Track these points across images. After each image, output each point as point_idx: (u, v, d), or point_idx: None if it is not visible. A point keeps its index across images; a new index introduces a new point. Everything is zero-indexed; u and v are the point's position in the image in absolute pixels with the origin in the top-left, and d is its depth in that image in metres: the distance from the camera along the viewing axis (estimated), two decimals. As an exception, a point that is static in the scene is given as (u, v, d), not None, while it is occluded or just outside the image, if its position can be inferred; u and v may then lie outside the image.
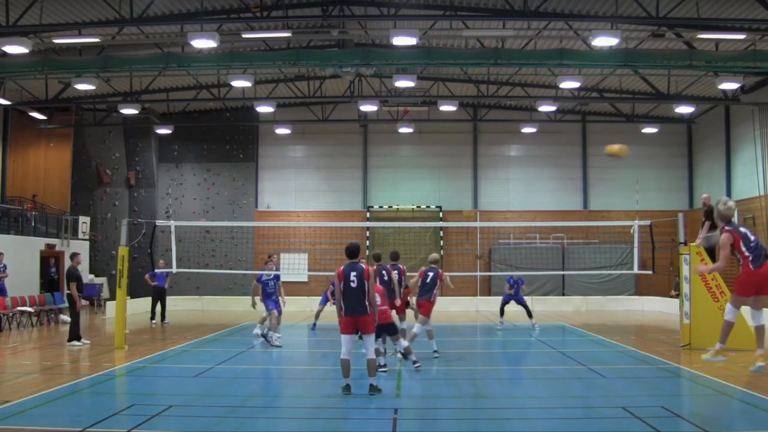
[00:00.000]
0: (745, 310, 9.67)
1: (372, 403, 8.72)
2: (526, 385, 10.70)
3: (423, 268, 13.03)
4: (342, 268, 9.19)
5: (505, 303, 18.35)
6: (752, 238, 8.85)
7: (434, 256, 13.47)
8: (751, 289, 8.81)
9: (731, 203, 9.11)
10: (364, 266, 9.16)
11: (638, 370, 12.36)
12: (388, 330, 11.14)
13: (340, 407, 8.81)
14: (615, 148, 14.17)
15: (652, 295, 26.93)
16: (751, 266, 8.72)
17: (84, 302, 25.83)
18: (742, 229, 8.94)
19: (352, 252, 9.32)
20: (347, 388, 9.00)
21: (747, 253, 8.71)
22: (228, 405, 9.14)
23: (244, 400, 9.58)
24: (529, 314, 17.68)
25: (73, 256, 15.35)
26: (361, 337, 9.66)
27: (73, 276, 14.95)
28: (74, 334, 14.89)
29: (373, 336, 9.24)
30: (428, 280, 12.72)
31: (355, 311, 9.02)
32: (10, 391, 9.66)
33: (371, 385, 9.11)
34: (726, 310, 9.21)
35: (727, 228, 8.88)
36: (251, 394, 10.20)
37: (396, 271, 13.14)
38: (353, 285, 8.99)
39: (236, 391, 10.21)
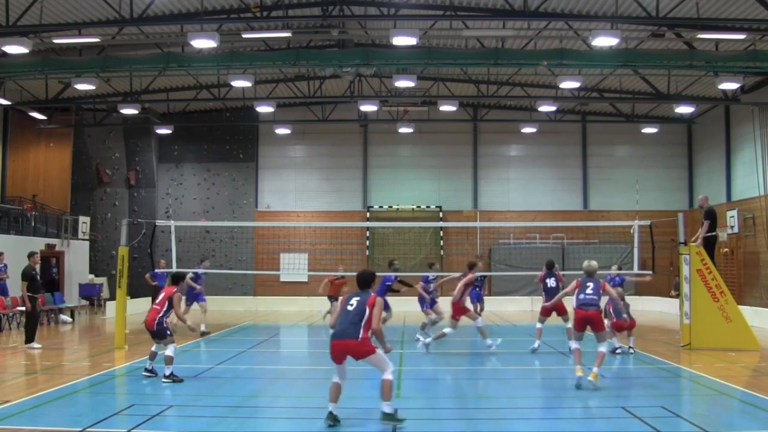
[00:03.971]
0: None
1: (372, 403, 8.71)
2: (526, 385, 10.71)
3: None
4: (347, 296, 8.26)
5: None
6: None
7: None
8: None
9: (594, 262, 10.65)
10: (371, 294, 8.08)
11: (638, 370, 12.36)
12: (154, 335, 10.83)
13: (340, 407, 8.79)
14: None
15: (652, 295, 26.93)
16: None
17: (83, 302, 25.98)
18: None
19: (363, 281, 8.24)
20: (331, 417, 7.75)
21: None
22: (228, 405, 9.14)
23: (244, 400, 9.58)
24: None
25: (30, 255, 15.19)
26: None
27: (26, 275, 14.77)
28: (29, 336, 14.65)
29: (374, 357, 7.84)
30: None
31: (345, 335, 7.81)
32: (10, 391, 9.67)
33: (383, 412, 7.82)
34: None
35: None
36: (251, 394, 10.20)
37: (553, 278, 13.82)
38: (349, 308, 7.94)
39: (236, 391, 10.21)
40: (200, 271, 17.74)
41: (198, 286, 17.27)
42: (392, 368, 7.90)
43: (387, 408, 7.73)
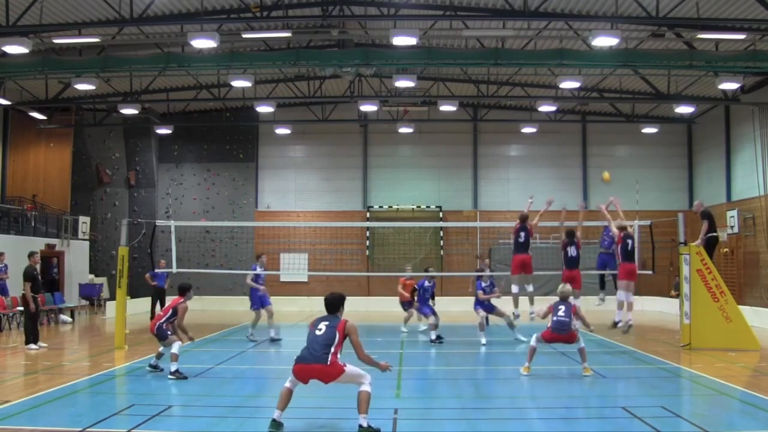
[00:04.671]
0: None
1: (372, 403, 8.71)
2: (526, 385, 10.71)
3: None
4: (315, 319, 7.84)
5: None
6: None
7: None
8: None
9: (568, 287, 12.00)
10: (340, 319, 7.68)
11: (638, 370, 12.37)
12: (156, 337, 11.33)
13: (340, 407, 8.80)
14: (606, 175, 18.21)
15: (652, 295, 26.91)
16: None
17: (83, 302, 25.98)
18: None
19: (331, 305, 7.78)
20: (274, 425, 7.48)
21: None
22: (228, 405, 9.15)
23: (244, 400, 9.58)
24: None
25: (31, 255, 15.34)
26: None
27: (28, 276, 14.87)
28: (29, 337, 14.68)
29: (346, 375, 7.47)
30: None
31: (313, 359, 7.46)
32: (10, 391, 9.68)
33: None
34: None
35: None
36: (251, 394, 10.20)
37: (573, 247, 15.21)
38: (318, 333, 7.55)
39: (236, 391, 10.22)
40: (258, 270, 16.51)
41: (261, 287, 16.21)
42: (369, 379, 7.41)
43: (363, 421, 7.24)
